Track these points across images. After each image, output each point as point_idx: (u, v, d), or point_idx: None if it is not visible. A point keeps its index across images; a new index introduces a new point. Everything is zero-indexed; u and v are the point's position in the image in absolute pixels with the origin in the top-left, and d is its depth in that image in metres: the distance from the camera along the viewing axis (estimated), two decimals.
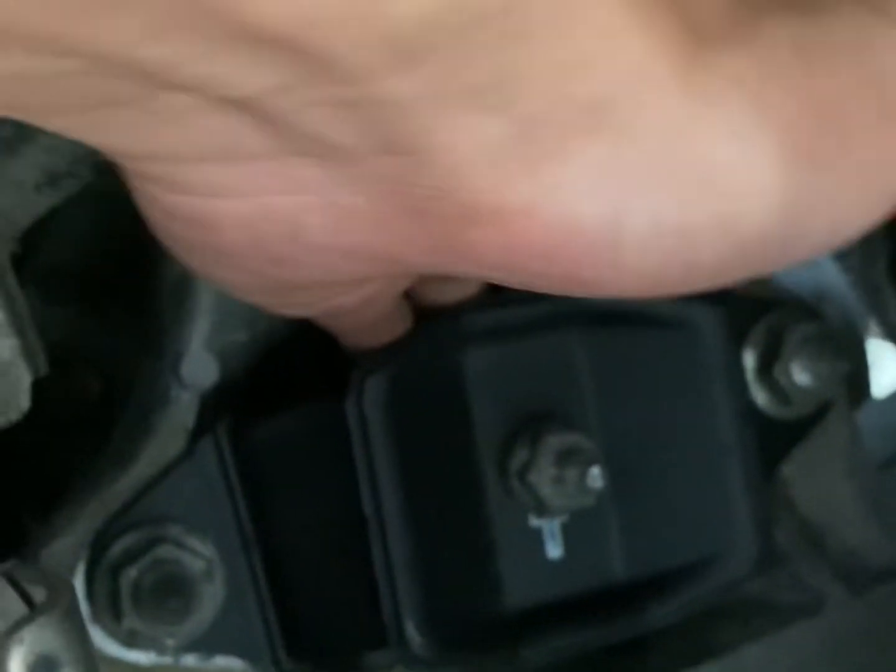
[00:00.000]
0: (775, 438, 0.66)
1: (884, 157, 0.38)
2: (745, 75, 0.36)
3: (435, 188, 0.35)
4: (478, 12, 0.31)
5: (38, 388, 0.56)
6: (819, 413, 0.67)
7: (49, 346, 0.58)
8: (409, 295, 0.56)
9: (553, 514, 0.58)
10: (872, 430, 0.98)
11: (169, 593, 0.56)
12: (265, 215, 0.39)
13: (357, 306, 0.49)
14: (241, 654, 0.59)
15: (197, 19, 0.29)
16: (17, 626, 0.24)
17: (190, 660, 0.59)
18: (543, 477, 0.56)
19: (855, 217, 0.39)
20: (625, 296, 0.40)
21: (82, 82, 0.31)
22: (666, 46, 0.34)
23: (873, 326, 0.83)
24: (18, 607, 0.27)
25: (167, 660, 0.58)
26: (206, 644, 0.59)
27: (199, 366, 0.54)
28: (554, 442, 0.57)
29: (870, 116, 0.38)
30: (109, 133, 0.35)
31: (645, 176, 0.35)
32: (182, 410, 0.56)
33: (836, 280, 1.04)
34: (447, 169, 0.35)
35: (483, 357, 0.57)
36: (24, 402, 0.49)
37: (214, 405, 0.58)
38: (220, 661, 0.60)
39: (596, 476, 0.56)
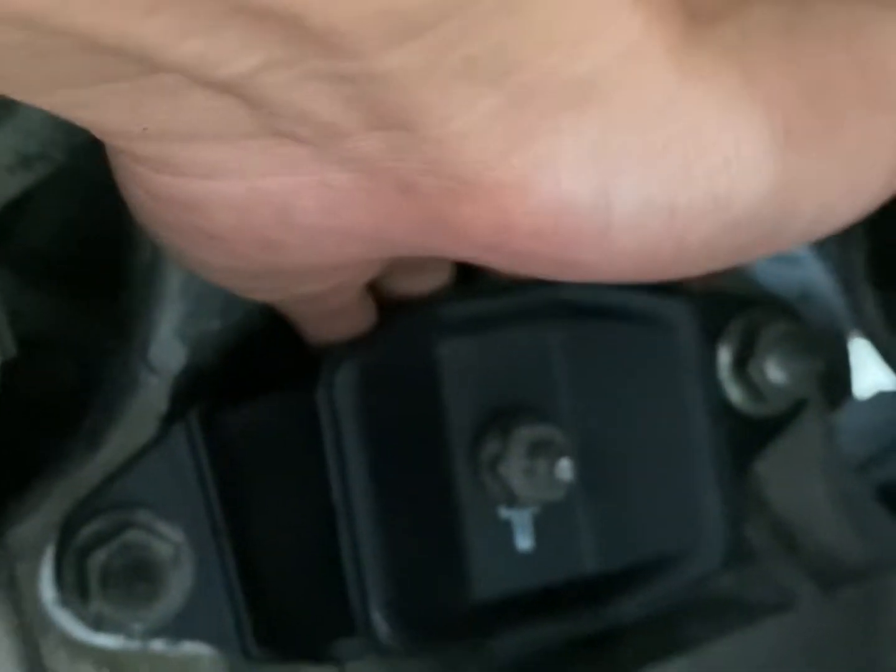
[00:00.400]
0: (749, 435, 0.67)
1: (871, 142, 0.39)
2: (736, 53, 0.36)
3: (428, 163, 0.35)
4: None
5: (12, 371, 0.56)
6: (793, 411, 0.67)
7: (24, 330, 0.58)
8: (374, 288, 0.57)
9: (523, 506, 0.58)
10: (852, 432, 0.98)
11: (137, 577, 0.56)
12: (256, 197, 0.38)
13: (325, 293, 0.49)
14: (209, 640, 0.59)
15: None
16: None
17: (158, 645, 0.59)
18: (514, 468, 0.56)
19: (843, 202, 0.40)
20: (616, 278, 0.40)
21: (75, 60, 0.31)
22: (660, 22, 0.35)
23: (855, 327, 0.83)
24: None
25: (135, 644, 0.58)
26: (174, 630, 0.59)
27: (168, 350, 0.54)
28: (525, 434, 0.57)
29: (859, 99, 0.38)
30: (100, 111, 0.35)
31: (637, 152, 0.36)
32: (151, 395, 0.56)
33: (820, 280, 1.04)
34: (441, 143, 0.35)
35: (456, 348, 0.57)
36: None
37: (187, 392, 0.58)
38: (188, 647, 0.59)
39: (566, 468, 0.56)
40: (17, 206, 0.56)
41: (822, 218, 0.40)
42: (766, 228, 0.38)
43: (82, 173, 0.54)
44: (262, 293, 0.50)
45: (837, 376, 1.09)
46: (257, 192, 0.38)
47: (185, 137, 0.36)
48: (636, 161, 0.36)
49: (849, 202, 0.40)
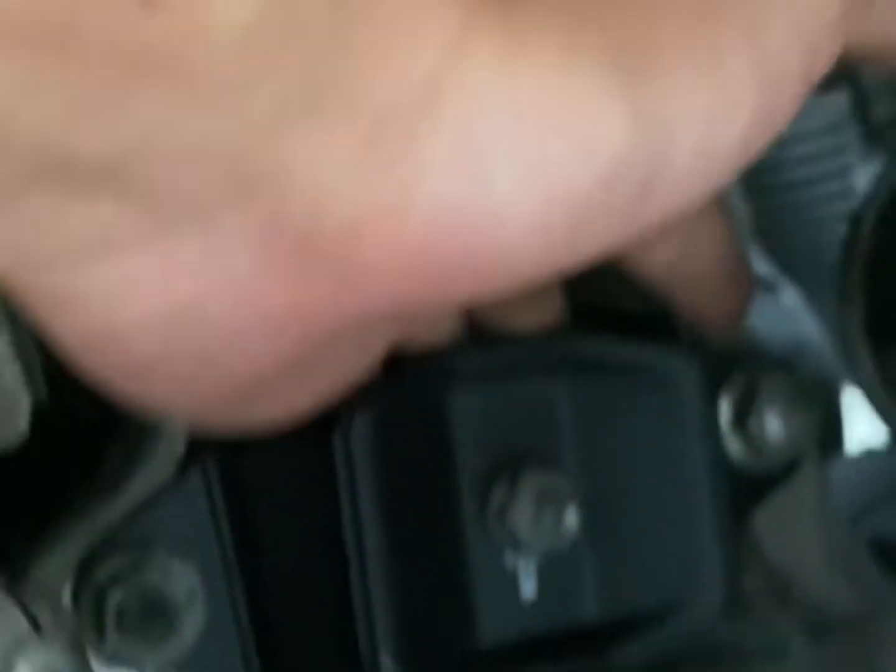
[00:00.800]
0: (747, 490, 0.68)
1: (714, 59, 0.39)
2: (557, 15, 0.37)
3: (310, 215, 0.36)
4: (299, 27, 0.32)
5: (41, 412, 0.57)
6: (791, 466, 0.69)
7: (44, 369, 0.60)
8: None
9: (529, 553, 0.59)
10: (843, 485, 1.00)
11: (152, 617, 0.57)
12: (167, 314, 0.38)
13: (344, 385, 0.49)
14: None
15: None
16: (22, 643, 0.25)
17: None
18: (522, 516, 0.58)
19: (717, 125, 0.39)
20: (520, 273, 0.39)
21: None
22: (481, 13, 0.36)
23: (850, 383, 0.85)
24: (21, 624, 0.28)
25: None
26: (186, 668, 0.60)
27: None
28: (533, 482, 0.59)
29: (686, 19, 0.39)
30: None
31: (496, 135, 0.36)
32: (171, 437, 0.57)
33: (814, 335, 1.06)
34: (312, 191, 0.35)
35: (467, 399, 0.59)
36: (23, 426, 0.51)
37: (204, 434, 0.60)
38: None
39: (572, 516, 0.58)
40: None
41: (702, 148, 0.39)
42: (640, 173, 0.38)
43: None
44: (255, 416, 0.49)
45: (829, 430, 1.11)
46: (166, 308, 0.37)
47: (70, 259, 0.35)
48: (499, 146, 0.36)
49: (723, 123, 0.39)
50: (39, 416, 0.58)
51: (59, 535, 0.57)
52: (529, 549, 0.59)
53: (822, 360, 1.07)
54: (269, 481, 0.59)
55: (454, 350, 0.60)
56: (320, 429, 0.57)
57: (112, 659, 0.58)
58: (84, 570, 0.58)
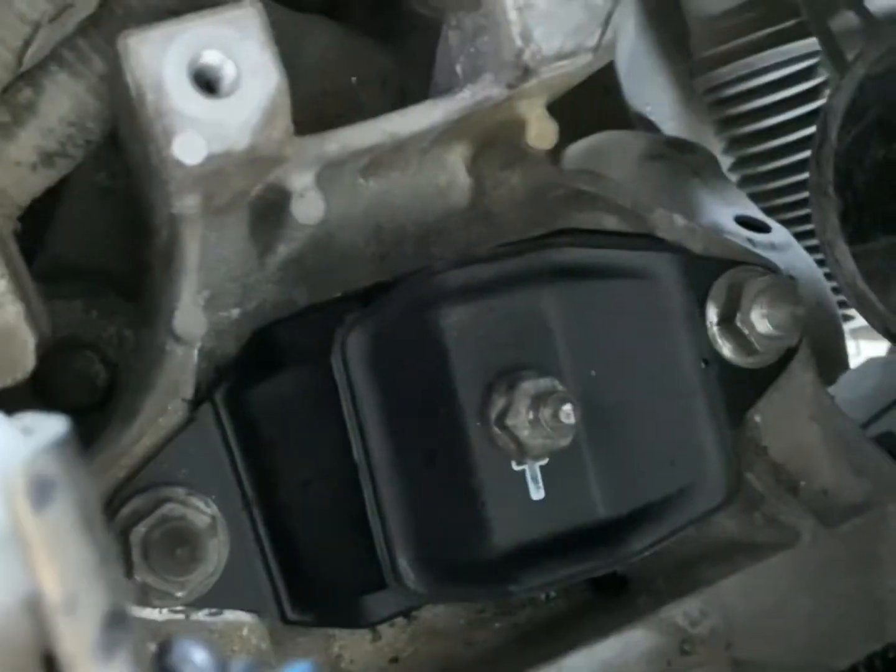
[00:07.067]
0: (742, 385, 0.70)
1: None
2: None
3: None
4: None
5: (51, 376, 0.60)
6: (782, 361, 0.71)
7: (57, 338, 0.62)
8: None
9: (532, 456, 0.61)
10: (845, 401, 1.01)
11: (176, 544, 0.59)
12: None
13: None
14: (247, 607, 0.63)
15: None
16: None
17: (200, 616, 0.62)
18: (520, 420, 0.60)
19: None
20: None
21: None
22: None
23: (836, 284, 0.87)
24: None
25: (179, 616, 0.62)
26: (214, 599, 0.62)
27: (190, 318, 0.58)
28: (528, 387, 0.61)
29: None
30: None
31: None
32: (177, 366, 0.59)
33: (805, 264, 1.08)
34: None
35: (458, 312, 0.61)
36: (29, 362, 0.53)
37: (212, 376, 0.62)
38: (229, 616, 0.63)
39: (568, 412, 0.60)
40: (44, 220, 0.61)
41: None
42: None
43: (106, 186, 0.59)
44: None
45: (832, 352, 1.13)
46: None
47: None
48: None
49: None
50: (57, 381, 0.60)
51: None
52: (532, 450, 0.61)
53: (818, 288, 1.09)
54: (275, 410, 0.62)
55: (442, 267, 0.62)
56: (319, 351, 0.60)
57: (142, 597, 0.60)
58: (107, 514, 0.60)
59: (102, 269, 0.69)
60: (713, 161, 1.22)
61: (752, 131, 1.30)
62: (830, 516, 0.70)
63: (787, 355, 0.71)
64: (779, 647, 0.67)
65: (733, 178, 1.34)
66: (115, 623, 0.27)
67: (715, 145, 1.35)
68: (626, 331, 0.65)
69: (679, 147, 1.22)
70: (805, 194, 1.26)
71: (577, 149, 1.21)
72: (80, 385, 0.68)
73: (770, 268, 0.72)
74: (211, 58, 0.50)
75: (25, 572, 0.27)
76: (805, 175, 1.18)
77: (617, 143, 1.24)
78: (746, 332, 0.69)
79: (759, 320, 0.69)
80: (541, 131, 0.61)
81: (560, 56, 0.55)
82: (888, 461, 0.73)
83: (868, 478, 0.72)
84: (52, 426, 0.29)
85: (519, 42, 0.55)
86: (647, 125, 1.37)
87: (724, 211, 1.15)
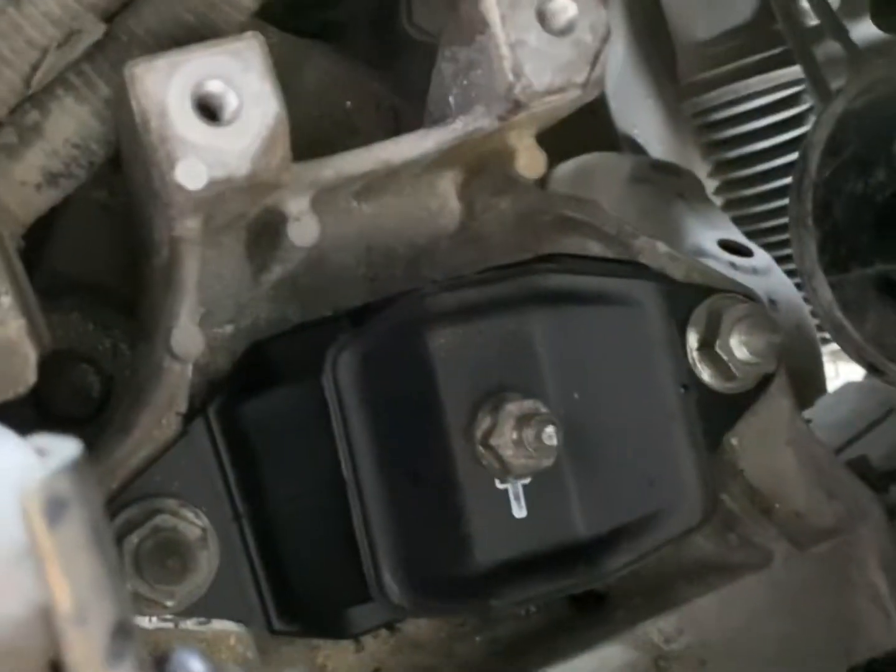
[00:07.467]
0: (720, 410, 0.72)
1: None
2: None
3: None
4: None
5: (48, 387, 0.61)
6: (760, 385, 0.73)
7: (54, 350, 0.64)
8: None
9: (515, 475, 0.63)
10: (822, 425, 1.04)
11: (167, 554, 0.61)
12: None
13: None
14: (235, 617, 0.65)
15: None
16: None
17: (189, 624, 0.64)
18: (505, 440, 0.62)
19: None
20: None
21: None
22: None
23: (814, 312, 0.89)
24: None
25: (169, 625, 0.64)
26: (203, 609, 0.64)
27: (187, 336, 0.60)
28: (513, 408, 0.63)
29: None
30: None
31: None
32: (174, 382, 0.61)
33: (785, 288, 1.10)
34: None
35: (446, 335, 0.63)
36: (30, 376, 0.55)
37: (205, 390, 0.64)
38: (217, 625, 0.65)
39: (551, 434, 0.62)
40: (43, 235, 0.62)
41: None
42: None
43: (106, 204, 0.61)
44: None
45: (810, 375, 1.15)
46: None
47: None
48: None
49: None
50: (54, 392, 0.62)
51: None
52: (515, 469, 0.63)
53: (797, 312, 1.11)
54: (266, 426, 0.63)
55: (431, 291, 0.64)
56: (310, 370, 0.62)
57: (134, 605, 0.62)
58: None
59: (99, 284, 0.71)
60: (698, 184, 1.25)
61: (737, 156, 1.33)
62: (803, 538, 0.72)
63: (765, 381, 0.73)
64: (751, 665, 0.69)
65: (718, 201, 1.37)
66: (122, 633, 0.29)
67: (701, 168, 1.37)
68: (609, 355, 0.67)
69: (665, 170, 1.25)
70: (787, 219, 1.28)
71: (564, 169, 1.23)
72: (76, 396, 0.70)
73: (749, 295, 0.74)
74: (213, 87, 0.52)
75: (39, 585, 0.29)
76: (788, 200, 1.21)
77: (604, 165, 1.26)
78: (725, 357, 0.71)
79: (738, 347, 0.71)
80: (530, 161, 0.63)
81: (550, 91, 0.58)
82: (860, 486, 0.75)
83: (840, 502, 0.74)
84: (65, 448, 0.30)
85: (510, 77, 0.57)
86: (634, 146, 1.39)
87: (708, 235, 1.17)
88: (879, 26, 0.88)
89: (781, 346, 0.72)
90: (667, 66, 1.38)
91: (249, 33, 0.53)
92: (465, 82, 0.60)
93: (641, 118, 1.41)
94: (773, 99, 1.30)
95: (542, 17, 0.57)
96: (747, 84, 1.30)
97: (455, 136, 0.60)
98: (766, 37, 1.30)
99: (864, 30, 1.20)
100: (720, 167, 1.35)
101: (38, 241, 0.65)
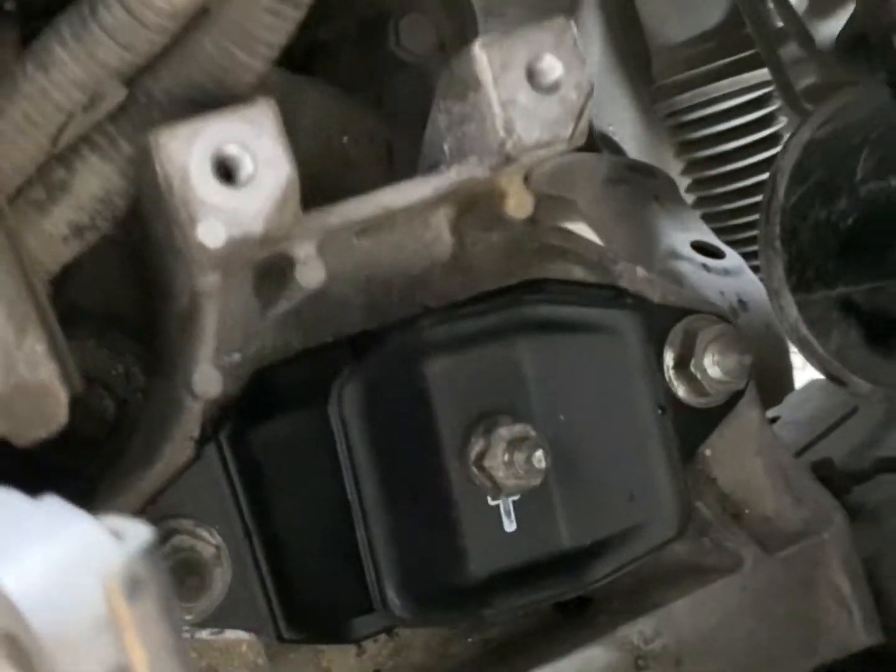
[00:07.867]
0: (695, 424, 0.77)
1: None
2: None
3: None
4: None
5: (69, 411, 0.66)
6: (731, 401, 0.78)
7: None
8: None
9: (506, 493, 0.69)
10: (789, 423, 1.09)
11: (186, 573, 0.66)
12: None
13: None
14: (247, 627, 0.70)
15: None
16: None
17: (204, 635, 0.69)
18: (496, 462, 0.68)
19: None
20: None
21: None
22: None
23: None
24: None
25: (185, 636, 0.69)
26: (217, 620, 0.69)
27: (207, 378, 0.64)
28: (504, 432, 0.68)
29: None
30: None
31: None
32: (193, 418, 0.66)
33: (755, 289, 1.15)
34: None
35: (441, 364, 0.68)
36: (62, 416, 0.60)
37: (216, 416, 0.69)
38: (230, 634, 0.70)
39: (540, 458, 0.67)
40: (65, 273, 0.67)
41: None
42: None
43: (123, 240, 0.65)
44: None
45: (779, 373, 1.20)
46: None
47: None
48: None
49: None
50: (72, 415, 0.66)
51: (99, 511, 0.65)
52: (506, 488, 0.68)
53: (766, 312, 1.16)
54: (275, 451, 0.68)
55: (427, 323, 0.69)
56: (317, 399, 0.67)
57: None
58: None
59: (112, 313, 0.75)
60: (672, 185, 1.30)
61: (708, 155, 1.38)
62: (772, 542, 0.78)
63: (736, 396, 0.79)
64: (723, 663, 0.74)
65: (690, 198, 1.42)
66: None
67: (674, 167, 1.42)
68: (592, 379, 0.72)
69: (640, 171, 1.30)
70: (756, 216, 1.34)
71: (543, 170, 1.27)
72: (91, 419, 0.75)
73: (722, 316, 0.79)
74: (231, 150, 0.57)
75: (118, 651, 0.33)
76: (757, 198, 1.26)
77: (582, 166, 1.31)
78: (699, 376, 0.76)
79: (711, 366, 0.76)
80: (518, 202, 0.68)
81: (538, 145, 0.62)
82: (824, 493, 0.81)
83: (806, 507, 0.79)
84: (138, 531, 0.35)
85: (502, 133, 0.62)
86: (610, 144, 1.44)
87: (681, 237, 1.22)
88: (843, 63, 0.92)
89: (751, 366, 0.77)
90: (641, 65, 1.43)
91: (262, 99, 0.57)
92: (458, 134, 0.64)
93: (617, 116, 1.46)
94: (743, 100, 1.35)
95: (532, 77, 0.62)
96: (718, 86, 1.35)
97: (450, 183, 0.65)
98: (737, 40, 1.34)
99: (831, 29, 1.25)
100: (692, 166, 1.40)
101: (56, 276, 0.70)
